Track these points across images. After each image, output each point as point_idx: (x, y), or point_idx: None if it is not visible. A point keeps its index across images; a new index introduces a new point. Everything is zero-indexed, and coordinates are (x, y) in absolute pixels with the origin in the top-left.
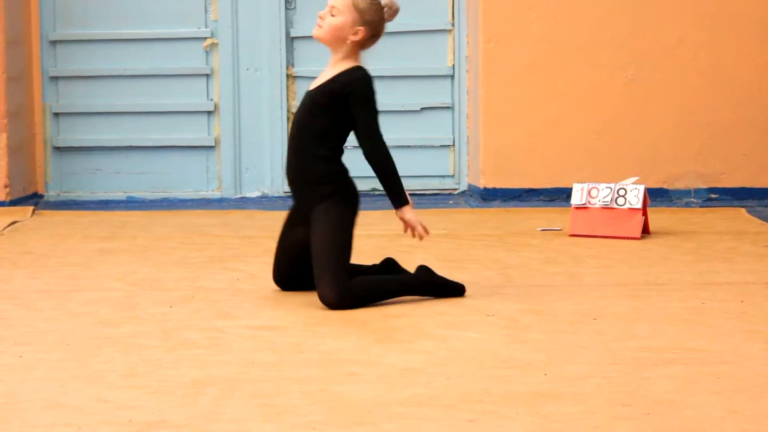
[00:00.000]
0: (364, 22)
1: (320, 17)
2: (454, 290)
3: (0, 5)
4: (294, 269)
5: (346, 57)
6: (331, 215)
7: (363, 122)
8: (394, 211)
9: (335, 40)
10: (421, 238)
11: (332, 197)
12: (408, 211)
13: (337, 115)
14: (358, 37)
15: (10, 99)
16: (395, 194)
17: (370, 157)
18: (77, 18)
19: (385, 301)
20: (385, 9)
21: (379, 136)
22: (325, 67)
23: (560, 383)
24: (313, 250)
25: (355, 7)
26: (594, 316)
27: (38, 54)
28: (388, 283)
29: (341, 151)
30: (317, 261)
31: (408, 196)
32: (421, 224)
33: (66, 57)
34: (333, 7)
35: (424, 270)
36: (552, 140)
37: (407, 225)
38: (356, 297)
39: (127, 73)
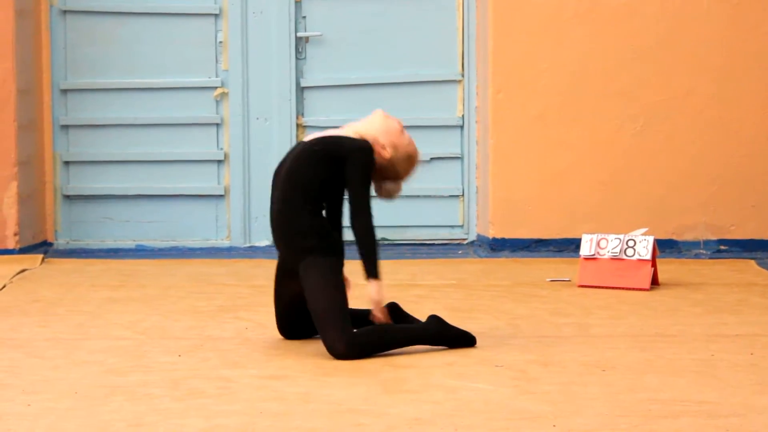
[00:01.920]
0: (393, 149)
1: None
2: (466, 340)
3: (11, 54)
4: (293, 320)
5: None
6: (318, 267)
7: (355, 189)
8: (398, 262)
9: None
10: (377, 320)
11: (314, 251)
12: (376, 287)
13: (330, 173)
14: (384, 155)
15: (21, 147)
16: (371, 264)
17: (356, 225)
18: (88, 67)
19: (393, 351)
20: (413, 159)
21: (369, 207)
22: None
23: None
24: (309, 306)
25: (389, 135)
26: (603, 367)
27: (49, 103)
28: (397, 333)
29: (323, 208)
30: (317, 316)
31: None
32: (380, 307)
33: (77, 106)
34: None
35: (435, 320)
36: (561, 191)
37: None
38: (363, 346)
39: (138, 122)
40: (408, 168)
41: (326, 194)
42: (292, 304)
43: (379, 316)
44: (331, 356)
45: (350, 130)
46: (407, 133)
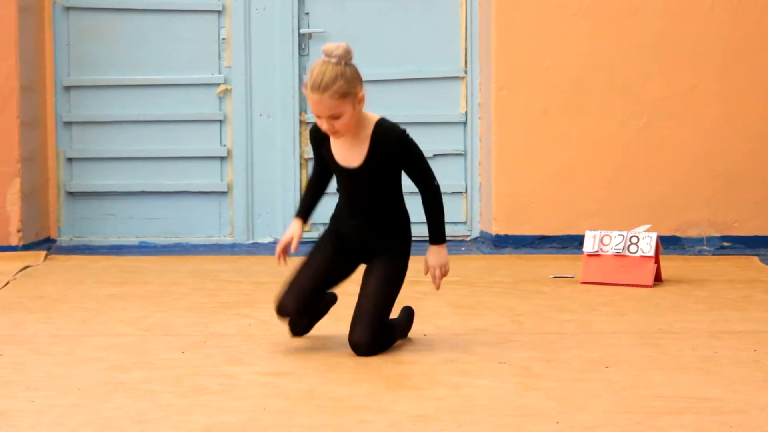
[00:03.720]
0: (357, 89)
1: (329, 125)
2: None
3: (14, 50)
4: (314, 296)
5: (361, 119)
6: (392, 267)
7: (419, 167)
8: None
9: (354, 126)
10: (437, 284)
11: (398, 251)
12: (442, 251)
13: (392, 170)
14: (363, 103)
15: (24, 144)
16: (440, 231)
17: (433, 192)
18: (91, 64)
19: (396, 347)
20: (349, 56)
21: (434, 176)
22: (341, 144)
23: None
24: (366, 292)
25: (346, 93)
26: (606, 364)
27: (52, 99)
28: (396, 328)
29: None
30: (367, 307)
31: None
32: (441, 270)
33: (80, 102)
34: (333, 114)
35: (406, 311)
36: (564, 188)
37: (432, 268)
38: (383, 344)
39: (141, 118)
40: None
41: (398, 186)
42: (327, 279)
43: (439, 274)
44: (335, 353)
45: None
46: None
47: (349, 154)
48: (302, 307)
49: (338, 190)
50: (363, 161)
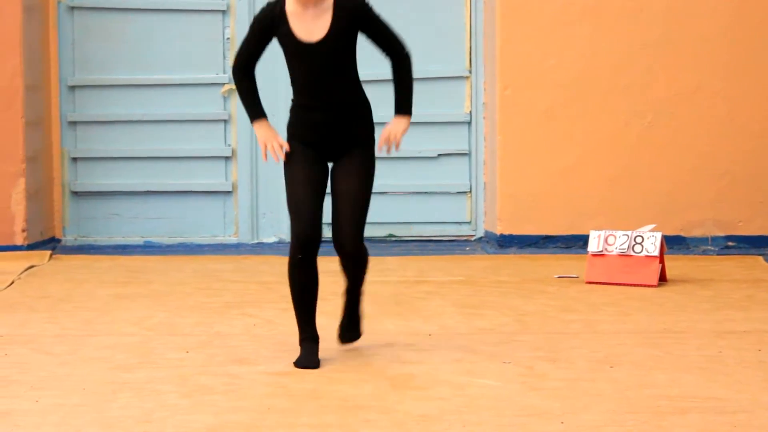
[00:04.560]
0: None
1: None
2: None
3: (19, 50)
4: (319, 213)
5: None
6: (366, 166)
7: (385, 33)
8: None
9: None
10: (388, 149)
11: (368, 143)
12: (405, 122)
13: (353, 43)
14: None
15: (29, 144)
16: (408, 101)
17: (402, 59)
18: (96, 64)
19: (401, 346)
20: None
21: (404, 44)
22: (302, 17)
23: None
24: (344, 197)
25: None
26: (611, 363)
27: (57, 99)
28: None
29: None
30: (350, 213)
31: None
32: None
33: (84, 102)
34: None
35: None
36: (569, 187)
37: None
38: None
39: (145, 118)
40: None
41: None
42: (320, 193)
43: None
44: (339, 352)
45: None
46: None
47: (313, 26)
48: (320, 231)
49: (296, 82)
50: (327, 31)
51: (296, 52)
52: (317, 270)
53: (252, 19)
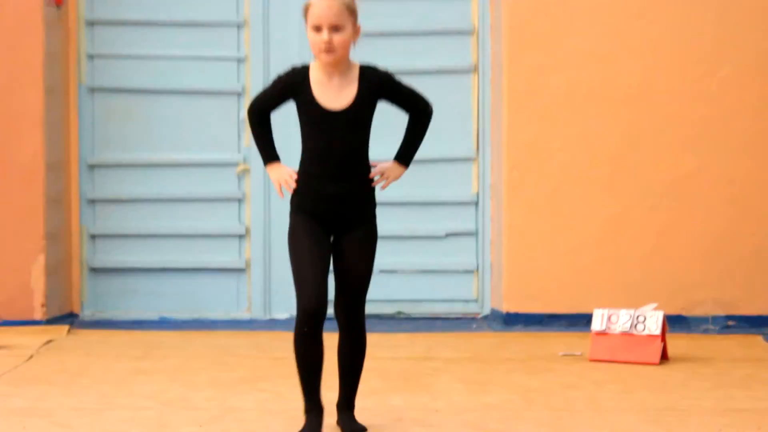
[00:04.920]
0: (356, 19)
1: (328, 38)
2: None
3: (41, 130)
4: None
5: (349, 61)
6: (371, 243)
7: (409, 96)
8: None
9: (346, 54)
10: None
11: (372, 219)
12: (402, 171)
13: (373, 113)
14: (357, 37)
15: (49, 221)
16: (412, 154)
17: (426, 115)
18: (115, 143)
19: (410, 421)
20: None
21: (428, 102)
22: (326, 85)
23: None
24: (351, 274)
25: (353, 11)
26: None
27: (77, 177)
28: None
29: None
30: (358, 289)
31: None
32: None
33: (103, 181)
34: (336, 24)
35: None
36: (573, 266)
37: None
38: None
39: (162, 197)
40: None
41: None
42: (326, 267)
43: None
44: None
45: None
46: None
47: (338, 95)
48: (326, 303)
49: (310, 150)
50: (353, 99)
51: (317, 119)
52: (323, 343)
53: (276, 76)
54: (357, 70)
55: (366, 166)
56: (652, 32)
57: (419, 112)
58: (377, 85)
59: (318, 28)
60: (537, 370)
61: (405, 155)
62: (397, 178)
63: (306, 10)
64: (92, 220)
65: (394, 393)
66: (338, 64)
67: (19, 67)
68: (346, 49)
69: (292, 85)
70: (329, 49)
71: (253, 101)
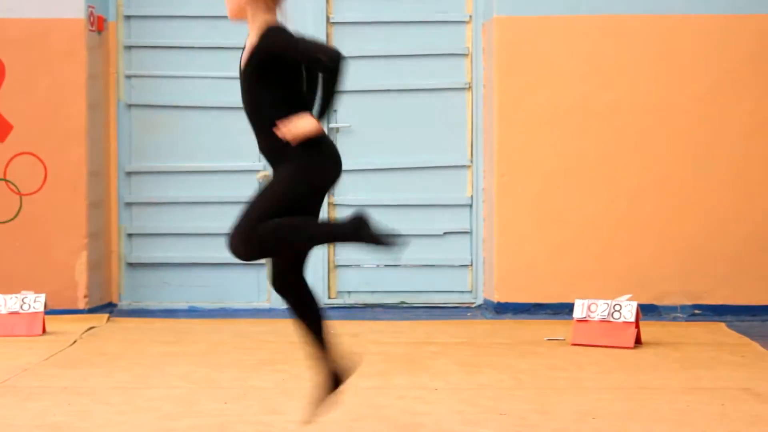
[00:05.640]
0: None
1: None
2: (385, 242)
3: (84, 141)
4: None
5: (257, 23)
6: (282, 174)
7: (301, 50)
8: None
9: (239, 11)
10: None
11: (294, 161)
12: (309, 119)
13: (276, 78)
14: (260, 3)
15: (91, 222)
16: (323, 109)
17: (328, 68)
18: (149, 153)
19: (410, 398)
20: None
21: (326, 47)
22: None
23: None
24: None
25: None
26: (593, 415)
27: (116, 183)
28: (302, 229)
29: (295, 105)
30: (251, 205)
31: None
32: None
33: (139, 186)
34: None
35: (356, 220)
36: (557, 261)
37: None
38: (254, 243)
39: (192, 200)
40: None
41: (288, 93)
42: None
43: (289, 132)
44: (361, 404)
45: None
46: None
47: (245, 54)
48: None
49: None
50: (248, 57)
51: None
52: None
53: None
54: (263, 30)
55: (272, 123)
56: (624, 56)
57: (323, 71)
58: (271, 43)
59: None
60: (525, 353)
61: (318, 111)
62: (307, 130)
63: None
64: (129, 220)
65: (398, 374)
66: (245, 21)
67: (65, 86)
68: (236, 4)
69: None
70: (228, 10)
71: (335, 48)
